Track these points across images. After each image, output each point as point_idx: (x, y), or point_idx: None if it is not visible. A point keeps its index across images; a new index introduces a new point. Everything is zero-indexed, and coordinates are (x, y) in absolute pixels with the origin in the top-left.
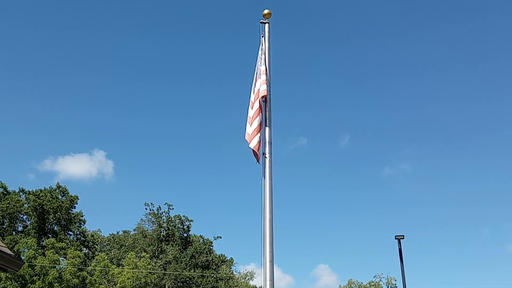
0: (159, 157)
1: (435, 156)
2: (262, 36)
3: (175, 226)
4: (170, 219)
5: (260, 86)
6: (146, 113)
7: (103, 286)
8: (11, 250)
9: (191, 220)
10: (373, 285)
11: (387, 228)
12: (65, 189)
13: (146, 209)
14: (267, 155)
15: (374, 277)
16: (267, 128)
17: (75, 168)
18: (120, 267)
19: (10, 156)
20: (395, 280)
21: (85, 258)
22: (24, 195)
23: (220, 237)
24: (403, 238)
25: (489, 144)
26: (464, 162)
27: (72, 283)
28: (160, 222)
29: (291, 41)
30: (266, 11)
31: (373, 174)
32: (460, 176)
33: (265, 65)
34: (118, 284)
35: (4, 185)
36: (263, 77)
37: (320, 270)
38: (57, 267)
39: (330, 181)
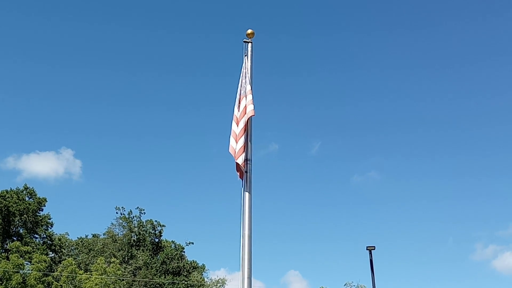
0: (131, 158)
1: (403, 165)
2: (245, 55)
3: (146, 231)
4: (141, 224)
5: (247, 106)
6: (118, 109)
7: None
8: None
9: (163, 225)
10: None
11: (358, 236)
12: (33, 190)
13: (117, 213)
14: (247, 173)
15: (345, 285)
16: (248, 145)
17: (40, 167)
18: (88, 272)
19: None
20: None
21: (52, 263)
22: None
23: (192, 243)
24: (374, 249)
25: (459, 151)
26: (433, 170)
27: None
28: (131, 226)
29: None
30: (249, 31)
31: (343, 181)
32: (428, 184)
33: (250, 84)
34: None
35: None
36: (249, 97)
37: (291, 276)
38: (21, 271)
39: (302, 187)
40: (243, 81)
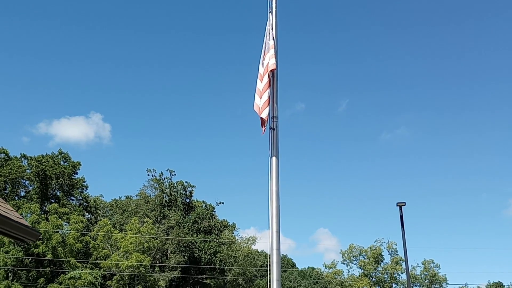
0: (160, 121)
1: (433, 122)
2: (270, 12)
3: (177, 192)
4: (172, 185)
5: (269, 60)
6: (145, 72)
7: (106, 250)
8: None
9: (194, 186)
10: (374, 250)
11: (388, 194)
12: (67, 155)
13: (148, 175)
14: (274, 129)
15: (375, 241)
16: (274, 102)
17: (71, 132)
18: (123, 232)
19: (3, 119)
20: (396, 245)
21: (88, 223)
22: (26, 161)
23: (223, 203)
24: (404, 205)
25: (491, 106)
26: (464, 126)
27: (75, 248)
28: (163, 188)
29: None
30: None
31: (371, 138)
32: (458, 140)
33: (274, 39)
34: (121, 249)
35: (5, 150)
36: (272, 51)
37: (320, 234)
38: (60, 231)
39: (330, 146)
40: (267, 37)
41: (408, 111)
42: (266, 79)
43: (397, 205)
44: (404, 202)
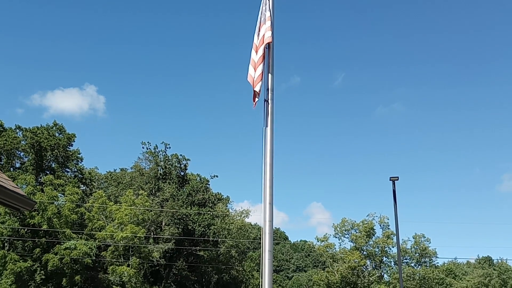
0: (154, 93)
1: (428, 97)
2: None
3: (172, 165)
4: (167, 158)
5: (265, 32)
6: (140, 46)
7: (101, 222)
8: None
9: (188, 159)
10: (366, 224)
11: (382, 169)
12: (62, 126)
13: (143, 147)
14: (269, 101)
15: (368, 215)
16: (269, 75)
17: (65, 103)
18: (118, 204)
19: None
20: (388, 219)
21: (83, 195)
22: (21, 132)
23: (217, 176)
24: (397, 180)
25: (486, 82)
26: (458, 101)
27: (70, 219)
28: (157, 160)
29: None
30: None
31: (367, 113)
32: (453, 115)
33: (270, 10)
34: (116, 221)
35: (0, 122)
36: (268, 23)
37: (314, 208)
38: (55, 203)
39: (325, 120)
40: (263, 8)
41: (403, 86)
42: (261, 51)
43: (390, 180)
44: (397, 177)
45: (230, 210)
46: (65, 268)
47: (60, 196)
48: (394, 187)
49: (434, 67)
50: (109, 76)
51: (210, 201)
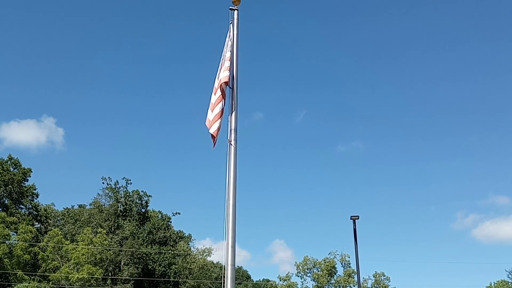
0: (115, 127)
1: (387, 135)
2: (231, 23)
3: (133, 201)
4: (128, 194)
5: (222, 73)
6: (103, 75)
7: (56, 262)
8: None
9: (150, 196)
10: (327, 262)
11: (343, 205)
12: (17, 161)
13: (103, 183)
14: (232, 142)
15: (329, 254)
16: (233, 115)
17: (21, 135)
18: (75, 242)
19: None
20: (349, 257)
21: (37, 233)
22: None
23: (179, 213)
24: (358, 219)
25: (440, 124)
26: (415, 141)
27: (23, 259)
28: (118, 197)
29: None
30: None
31: (327, 150)
32: (409, 155)
33: (231, 51)
34: (72, 260)
35: None
36: (227, 63)
37: (276, 246)
38: (7, 242)
39: (286, 156)
40: (224, 49)
41: (362, 123)
42: (219, 92)
43: (351, 218)
44: (358, 216)
45: (192, 249)
46: None
47: (13, 234)
48: (355, 225)
49: (394, 106)
50: (69, 108)
51: (171, 239)
